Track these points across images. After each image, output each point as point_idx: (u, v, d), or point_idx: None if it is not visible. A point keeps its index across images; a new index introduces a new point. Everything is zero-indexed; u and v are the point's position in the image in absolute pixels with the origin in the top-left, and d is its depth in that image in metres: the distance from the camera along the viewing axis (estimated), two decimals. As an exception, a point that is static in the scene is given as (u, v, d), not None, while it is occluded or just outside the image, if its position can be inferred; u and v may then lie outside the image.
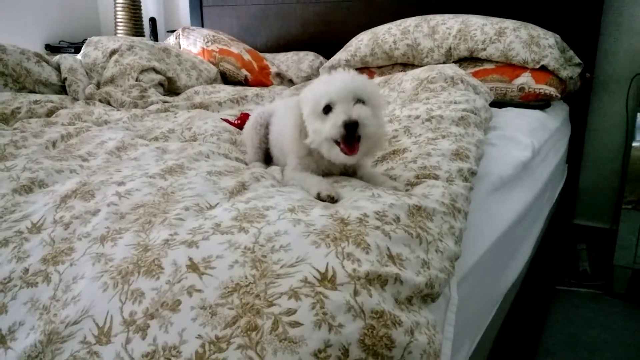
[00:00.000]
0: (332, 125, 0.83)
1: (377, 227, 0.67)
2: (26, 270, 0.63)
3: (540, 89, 1.93)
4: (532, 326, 1.67)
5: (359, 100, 0.86)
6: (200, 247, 0.61)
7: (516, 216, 1.21)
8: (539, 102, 1.93)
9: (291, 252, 0.60)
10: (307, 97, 0.90)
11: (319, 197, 0.77)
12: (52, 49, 3.08)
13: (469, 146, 1.08)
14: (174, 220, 0.68)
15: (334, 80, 0.88)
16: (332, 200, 0.77)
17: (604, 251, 2.13)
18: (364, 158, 0.94)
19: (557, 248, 2.14)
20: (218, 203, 0.77)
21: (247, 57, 2.44)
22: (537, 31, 2.04)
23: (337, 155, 0.87)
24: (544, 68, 1.96)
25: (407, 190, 0.84)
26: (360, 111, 0.84)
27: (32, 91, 1.70)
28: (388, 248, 0.65)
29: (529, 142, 1.45)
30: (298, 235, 0.63)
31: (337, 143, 0.86)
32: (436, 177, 0.92)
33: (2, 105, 1.48)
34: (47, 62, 1.80)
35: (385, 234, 0.66)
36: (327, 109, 0.86)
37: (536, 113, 1.81)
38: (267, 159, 1.18)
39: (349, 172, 0.98)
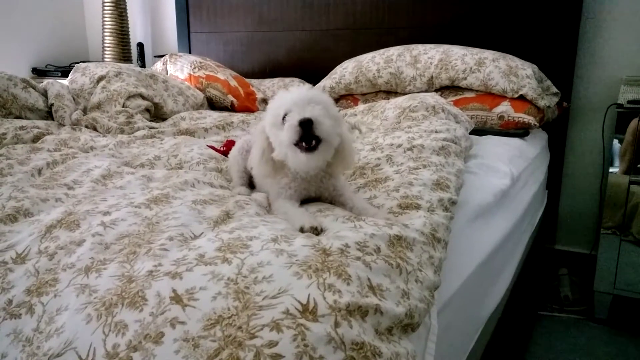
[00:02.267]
0: (288, 127, 0.87)
1: (358, 258, 0.69)
2: (10, 301, 0.63)
3: (519, 117, 1.99)
4: (514, 352, 1.69)
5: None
6: (184, 279, 0.62)
7: (496, 243, 1.24)
8: (518, 131, 1.98)
9: (273, 284, 0.61)
10: (268, 113, 0.95)
11: (302, 231, 0.79)
12: (39, 72, 3.08)
13: (449, 176, 1.12)
14: (158, 251, 0.69)
15: (291, 92, 0.93)
16: (317, 231, 0.78)
17: (585, 276, 2.16)
18: (337, 177, 0.99)
19: (538, 273, 2.17)
20: (202, 233, 0.78)
21: (233, 83, 2.48)
22: (515, 62, 2.11)
23: (299, 161, 0.89)
24: (522, 97, 2.02)
25: (388, 219, 0.86)
26: (314, 110, 0.88)
27: (19, 117, 1.70)
28: (369, 279, 0.66)
29: (507, 170, 1.49)
30: (280, 266, 0.65)
31: (300, 148, 0.89)
32: (418, 207, 0.95)
33: (-13, 130, 1.48)
34: (34, 87, 1.81)
35: (366, 265, 0.68)
36: (286, 118, 0.90)
37: (515, 141, 1.86)
38: (252, 184, 1.20)
39: (330, 198, 1.01)
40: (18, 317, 0.61)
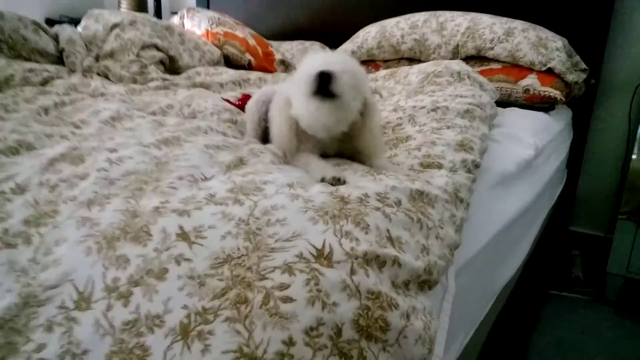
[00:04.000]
0: (306, 79, 0.82)
1: (378, 208, 0.64)
2: (6, 230, 0.59)
3: (545, 91, 1.91)
4: (524, 326, 1.66)
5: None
6: (192, 217, 0.58)
7: (516, 213, 1.18)
8: (543, 105, 1.91)
9: (287, 227, 0.57)
10: (292, 83, 0.89)
11: (323, 181, 0.74)
12: (52, 23, 3.01)
13: (473, 138, 1.06)
14: (166, 189, 0.65)
15: (316, 57, 0.87)
16: (338, 181, 0.73)
17: (598, 258, 2.11)
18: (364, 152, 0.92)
19: (551, 253, 2.12)
20: (213, 175, 0.74)
21: (252, 41, 2.40)
22: (546, 33, 2.01)
23: (310, 112, 0.84)
24: (550, 71, 1.94)
25: (408, 175, 0.81)
26: (336, 67, 0.82)
27: (28, 59, 1.65)
28: (388, 230, 0.62)
29: (532, 141, 1.43)
30: (295, 210, 0.60)
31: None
32: (440, 166, 0.90)
33: (-4, 71, 1.43)
34: (46, 31, 1.75)
35: (386, 216, 0.63)
36: None
37: (540, 115, 1.79)
38: (265, 139, 1.15)
39: (348, 155, 0.96)
40: (14, 247, 0.58)
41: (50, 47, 1.71)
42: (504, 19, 2.10)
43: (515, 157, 1.28)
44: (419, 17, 2.25)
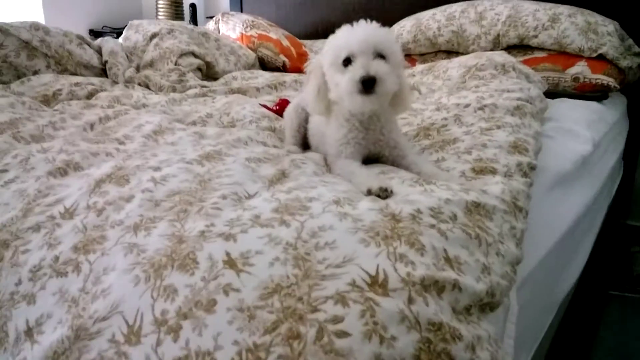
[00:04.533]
0: (349, 80, 0.82)
1: (432, 226, 0.60)
2: (56, 258, 0.59)
3: (597, 79, 1.80)
4: (584, 334, 1.57)
5: (379, 55, 0.83)
6: (239, 241, 0.56)
7: (576, 215, 1.11)
8: (595, 94, 1.79)
9: (337, 250, 0.54)
10: (328, 49, 0.88)
11: (369, 193, 0.71)
12: (96, 34, 3.11)
13: (527, 138, 0.99)
14: (210, 210, 0.64)
15: (355, 32, 0.85)
16: (386, 193, 0.70)
17: (661, 255, 1.98)
18: (396, 126, 0.94)
19: (610, 250, 2.00)
20: (257, 192, 0.72)
21: (285, 43, 2.39)
22: (595, 17, 1.89)
23: (355, 102, 0.84)
24: (601, 57, 1.82)
25: (462, 184, 0.76)
26: (379, 67, 0.81)
27: (74, 73, 1.69)
28: (445, 250, 0.58)
29: (588, 135, 1.34)
30: (344, 231, 0.57)
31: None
32: (494, 171, 0.84)
33: (45, 86, 1.48)
34: (89, 44, 1.80)
35: (442, 234, 0.59)
36: (347, 61, 0.84)
37: (593, 105, 1.68)
38: (305, 144, 1.13)
39: (392, 159, 0.93)
40: (64, 276, 0.57)
41: (94, 60, 1.76)
42: (548, 5, 1.99)
43: (572, 154, 1.20)
44: (456, 7, 2.16)
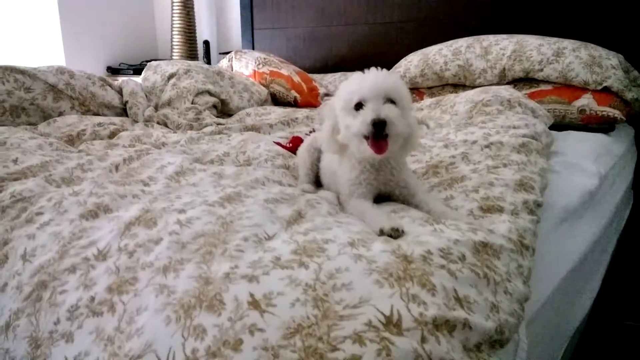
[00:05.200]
0: (361, 122, 0.87)
1: (442, 266, 0.64)
2: (92, 298, 0.64)
3: (603, 111, 1.84)
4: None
5: (389, 100, 0.88)
6: (261, 283, 0.61)
7: (584, 249, 1.14)
8: (602, 125, 1.83)
9: (353, 292, 0.58)
10: (340, 94, 0.93)
11: (382, 233, 0.75)
12: (113, 70, 3.23)
13: (532, 175, 1.03)
14: (234, 252, 0.68)
15: (366, 78, 0.91)
16: (397, 232, 0.74)
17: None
18: (405, 167, 0.98)
19: (624, 279, 2.00)
20: (276, 233, 0.76)
21: (296, 78, 2.47)
22: (599, 51, 1.95)
23: (364, 151, 0.89)
24: (606, 89, 1.86)
25: (470, 223, 0.80)
26: (389, 111, 0.86)
27: (96, 113, 1.78)
28: (455, 289, 0.62)
29: (594, 169, 1.37)
30: (360, 273, 0.61)
31: (367, 138, 0.88)
32: (501, 210, 0.88)
33: (69, 127, 1.55)
34: (111, 85, 1.89)
35: (451, 274, 0.63)
36: (359, 106, 0.89)
37: (599, 137, 1.72)
38: (318, 182, 1.18)
39: (402, 197, 0.96)
40: (100, 315, 0.62)
41: (115, 100, 1.85)
42: (552, 39, 2.05)
43: (578, 189, 1.23)
44: (462, 42, 2.23)
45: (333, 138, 0.96)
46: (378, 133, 0.86)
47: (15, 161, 1.09)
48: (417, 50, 2.38)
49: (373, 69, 0.92)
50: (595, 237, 1.23)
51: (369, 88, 0.88)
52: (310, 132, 1.66)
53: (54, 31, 3.02)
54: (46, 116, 1.66)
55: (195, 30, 3.24)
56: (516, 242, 0.76)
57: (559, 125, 1.82)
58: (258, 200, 0.87)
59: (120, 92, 1.90)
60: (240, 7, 3.15)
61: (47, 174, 1.04)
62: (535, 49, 2.02)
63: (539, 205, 0.94)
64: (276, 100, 2.48)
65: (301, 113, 2.00)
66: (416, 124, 0.97)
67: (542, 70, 1.98)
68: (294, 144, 1.45)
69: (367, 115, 0.86)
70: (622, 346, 1.68)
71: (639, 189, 2.11)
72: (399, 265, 0.63)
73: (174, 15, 3.13)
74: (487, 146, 1.21)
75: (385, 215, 0.83)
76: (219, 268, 0.64)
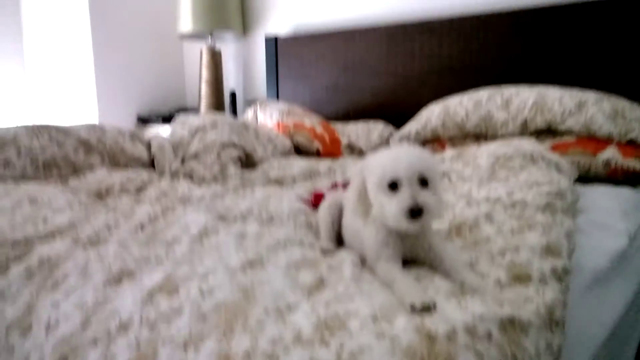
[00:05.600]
0: (398, 208, 0.87)
1: (468, 347, 0.62)
2: (113, 374, 0.64)
3: (628, 164, 1.80)
4: None
5: (423, 179, 0.89)
6: (282, 362, 0.60)
7: (618, 314, 1.09)
8: (629, 178, 1.79)
9: (376, 374, 0.57)
10: (373, 168, 0.94)
11: (412, 309, 0.73)
12: (143, 120, 3.36)
13: (559, 239, 1.01)
14: (254, 326, 0.68)
15: (400, 157, 0.91)
16: (429, 309, 0.73)
17: None
18: (429, 232, 0.97)
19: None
20: (298, 303, 0.76)
21: (319, 129, 2.51)
22: (622, 103, 1.93)
23: (401, 226, 0.89)
24: (631, 142, 1.84)
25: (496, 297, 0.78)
26: (426, 198, 0.87)
27: (125, 166, 1.84)
28: (480, 371, 0.60)
29: (623, 227, 1.33)
30: (382, 353, 0.60)
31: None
32: (528, 278, 0.86)
33: (99, 181, 1.60)
34: (140, 140, 1.96)
35: (478, 355, 0.61)
36: (392, 185, 0.89)
37: (627, 192, 1.67)
38: (340, 240, 1.18)
39: (429, 261, 0.95)
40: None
41: (144, 155, 1.91)
42: (574, 91, 2.04)
43: (607, 250, 1.20)
44: (483, 93, 2.24)
45: (359, 203, 0.96)
46: (415, 215, 0.87)
47: (44, 220, 1.12)
48: (437, 99, 2.41)
49: (405, 145, 0.94)
50: (628, 300, 1.18)
51: (404, 169, 0.88)
52: (333, 185, 1.67)
53: (88, 83, 3.17)
54: (77, 169, 1.71)
55: (222, 81, 3.35)
56: (545, 318, 0.74)
57: (585, 178, 1.79)
58: (279, 266, 0.88)
59: (148, 146, 1.97)
60: (266, 60, 3.26)
61: (75, 235, 1.06)
62: (556, 101, 2.02)
63: (567, 271, 0.92)
64: (299, 149, 2.52)
65: (323, 165, 2.02)
66: (444, 197, 0.97)
67: (564, 122, 1.97)
68: (317, 200, 1.46)
69: (404, 201, 0.87)
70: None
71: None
72: (423, 345, 0.62)
73: (203, 66, 3.26)
74: (511, 205, 1.19)
75: (416, 288, 0.81)
76: (239, 344, 0.64)
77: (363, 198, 0.96)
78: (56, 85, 3.33)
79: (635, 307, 1.30)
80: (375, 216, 0.93)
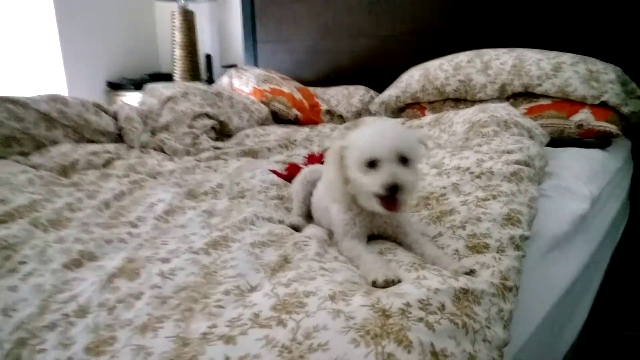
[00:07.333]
0: (375, 184, 0.86)
1: (421, 319, 0.64)
2: (70, 359, 0.64)
3: (600, 126, 1.84)
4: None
5: (402, 157, 0.88)
6: (238, 344, 0.61)
7: (573, 276, 1.13)
8: (599, 140, 1.82)
9: (329, 352, 0.58)
10: (352, 147, 0.92)
11: (374, 285, 0.74)
12: (114, 85, 3.25)
13: (521, 208, 1.02)
14: (214, 309, 0.68)
15: (380, 135, 0.90)
16: (393, 284, 0.74)
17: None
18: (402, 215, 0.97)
19: (621, 289, 1.97)
20: (259, 284, 0.76)
21: (298, 96, 2.47)
22: (597, 66, 1.94)
23: (375, 207, 0.90)
24: (604, 104, 1.85)
25: (456, 272, 0.79)
26: (404, 175, 0.86)
27: (91, 140, 1.78)
28: (432, 344, 0.61)
29: (586, 191, 1.35)
30: (337, 331, 0.61)
31: (378, 196, 0.88)
32: (486, 247, 0.88)
33: (63, 156, 1.56)
34: (106, 111, 1.90)
35: (429, 327, 0.63)
36: (372, 163, 0.88)
37: (595, 153, 1.71)
38: (310, 215, 1.18)
39: (394, 236, 0.96)
40: (77, 379, 0.62)
41: (110, 126, 1.85)
42: (552, 54, 2.04)
43: (569, 214, 1.22)
44: (462, 57, 2.22)
45: (336, 185, 0.94)
46: (391, 195, 0.86)
47: (2, 201, 1.09)
48: (418, 62, 2.38)
49: (386, 121, 0.92)
50: (585, 260, 1.22)
51: (383, 147, 0.87)
52: (309, 156, 1.65)
53: (54, 49, 3.03)
54: (39, 145, 1.66)
55: (197, 43, 3.23)
56: (498, 286, 0.76)
57: (558, 140, 1.81)
58: (244, 245, 0.88)
59: (115, 117, 1.91)
60: (243, 20, 3.16)
61: (34, 216, 1.04)
62: (534, 64, 2.02)
63: (525, 239, 0.94)
64: (277, 117, 2.48)
65: (300, 134, 2.00)
66: (421, 175, 0.96)
67: (541, 85, 1.98)
68: (290, 172, 1.45)
69: (382, 178, 0.86)
70: (620, 356, 1.66)
71: (635, 199, 2.08)
72: (377, 320, 0.63)
73: (175, 29, 3.14)
74: (478, 176, 1.20)
75: (380, 264, 0.82)
76: (197, 327, 0.65)
77: (340, 180, 0.94)
78: (18, 51, 3.16)
79: (593, 266, 1.34)
80: (352, 193, 0.92)
